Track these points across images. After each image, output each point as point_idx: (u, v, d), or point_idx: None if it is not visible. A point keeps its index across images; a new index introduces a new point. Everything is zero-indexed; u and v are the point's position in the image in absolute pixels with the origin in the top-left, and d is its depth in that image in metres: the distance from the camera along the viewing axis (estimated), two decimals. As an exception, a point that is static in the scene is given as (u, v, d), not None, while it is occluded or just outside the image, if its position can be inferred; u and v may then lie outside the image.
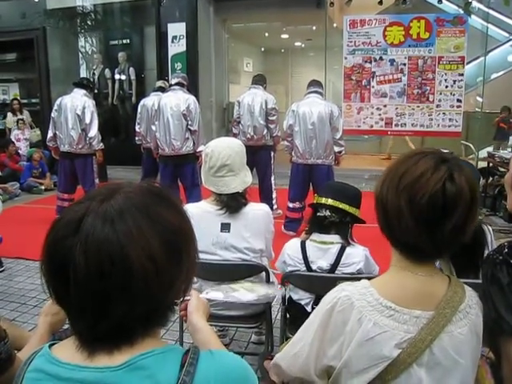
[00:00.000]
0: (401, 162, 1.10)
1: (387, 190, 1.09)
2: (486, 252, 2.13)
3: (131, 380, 0.74)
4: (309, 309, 2.23)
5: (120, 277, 0.72)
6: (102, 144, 5.71)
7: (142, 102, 6.56)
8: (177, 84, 5.25)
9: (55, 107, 5.70)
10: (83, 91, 5.70)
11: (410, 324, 1.05)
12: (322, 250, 2.21)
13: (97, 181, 5.77)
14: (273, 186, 5.91)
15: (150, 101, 6.01)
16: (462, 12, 7.17)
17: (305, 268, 2.21)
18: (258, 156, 5.66)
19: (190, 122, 5.17)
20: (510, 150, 6.80)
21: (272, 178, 5.90)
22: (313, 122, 4.97)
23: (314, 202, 2.35)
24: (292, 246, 2.29)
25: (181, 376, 0.75)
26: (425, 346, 1.04)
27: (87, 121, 5.52)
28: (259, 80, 6.01)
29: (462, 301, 1.10)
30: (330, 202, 2.22)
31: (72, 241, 0.72)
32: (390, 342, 1.04)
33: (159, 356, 0.77)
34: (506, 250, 1.21)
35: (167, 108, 5.12)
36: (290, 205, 5.31)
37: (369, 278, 1.16)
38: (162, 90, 6.24)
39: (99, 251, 0.71)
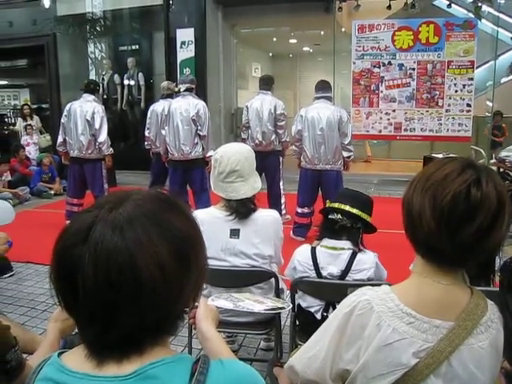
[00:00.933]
0: (431, 165, 1.11)
1: (413, 190, 1.09)
2: (497, 260, 2.11)
3: None
4: (318, 316, 2.21)
5: (129, 285, 0.71)
6: (111, 149, 5.76)
7: (151, 108, 6.59)
8: (186, 90, 5.27)
9: (65, 113, 5.76)
10: (92, 96, 5.77)
11: (430, 333, 1.03)
12: (332, 256, 2.19)
13: (106, 186, 5.81)
14: (281, 192, 5.90)
15: (160, 106, 6.01)
16: (471, 16, 7.14)
17: (315, 274, 2.20)
18: (267, 161, 5.64)
19: (199, 127, 5.17)
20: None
21: (281, 184, 5.89)
22: (321, 128, 4.95)
23: (327, 206, 2.35)
24: (302, 252, 2.28)
25: None
26: (443, 357, 1.02)
27: (97, 126, 5.58)
28: (267, 83, 5.97)
29: (484, 314, 1.08)
30: (342, 206, 2.23)
31: (81, 249, 0.72)
32: (409, 350, 1.03)
33: (169, 365, 0.76)
34: None
35: (177, 113, 5.14)
36: (299, 210, 5.30)
37: (378, 285, 1.15)
38: (171, 96, 6.26)
39: (108, 260, 0.71)
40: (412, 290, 1.09)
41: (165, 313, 0.77)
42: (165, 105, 5.49)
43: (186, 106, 5.16)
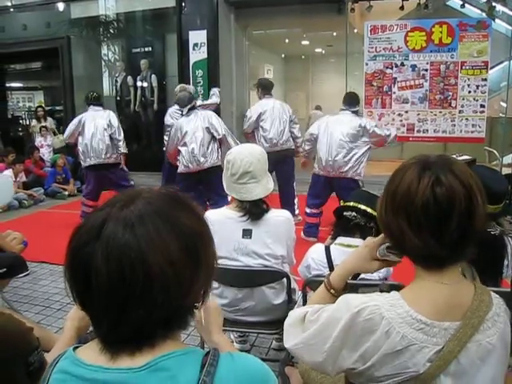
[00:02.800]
0: (389, 182, 1.13)
1: (385, 212, 1.12)
2: (506, 262, 2.11)
3: (153, 381, 0.75)
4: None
5: (140, 280, 0.73)
6: (126, 148, 5.98)
7: (172, 123, 6.13)
8: (189, 110, 5.29)
9: (76, 124, 5.93)
10: (100, 108, 6.06)
11: (439, 336, 1.04)
12: (346, 254, 2.19)
13: (132, 182, 6.02)
14: (295, 192, 5.92)
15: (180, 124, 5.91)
16: (485, 16, 7.08)
17: (329, 272, 2.20)
18: (283, 162, 5.66)
19: (215, 133, 5.19)
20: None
21: (294, 184, 5.91)
22: (340, 137, 4.93)
23: (341, 204, 2.37)
24: (317, 251, 2.29)
25: (201, 377, 0.76)
26: (452, 357, 1.03)
27: (115, 125, 5.87)
28: (269, 88, 6.04)
29: (490, 309, 1.08)
30: (353, 204, 2.25)
31: (94, 247, 0.74)
32: (417, 355, 1.03)
33: (180, 357, 0.79)
34: None
35: (192, 134, 5.15)
36: (308, 210, 5.32)
37: (394, 288, 1.15)
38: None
39: (120, 256, 0.73)
40: (420, 295, 1.09)
41: (175, 307, 0.79)
42: (183, 124, 5.35)
43: (196, 124, 5.15)
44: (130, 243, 0.74)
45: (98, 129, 5.80)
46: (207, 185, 5.20)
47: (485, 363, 1.06)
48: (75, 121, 6.01)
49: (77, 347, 0.85)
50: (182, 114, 5.44)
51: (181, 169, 5.24)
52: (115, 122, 5.92)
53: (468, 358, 1.04)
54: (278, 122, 5.75)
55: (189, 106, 5.28)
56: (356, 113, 5.18)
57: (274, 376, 0.86)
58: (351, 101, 5.21)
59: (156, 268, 0.74)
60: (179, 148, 5.19)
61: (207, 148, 5.14)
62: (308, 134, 5.31)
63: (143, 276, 0.73)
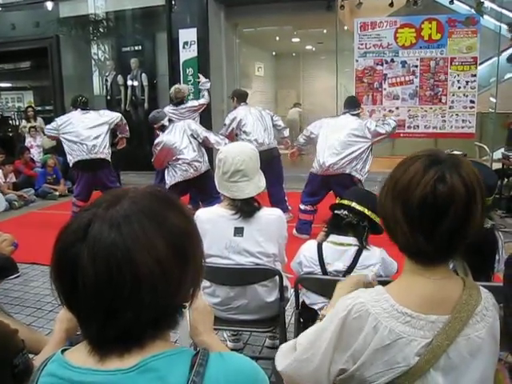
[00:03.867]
0: (396, 168, 1.12)
1: (385, 197, 1.11)
2: (497, 257, 2.12)
3: (142, 382, 0.75)
4: (322, 313, 2.22)
5: (128, 280, 0.73)
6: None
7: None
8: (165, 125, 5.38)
9: (63, 123, 5.91)
10: (87, 111, 6.04)
11: (427, 329, 1.04)
12: (338, 252, 2.21)
13: (118, 185, 6.00)
14: (284, 190, 5.94)
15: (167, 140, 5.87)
16: (473, 12, 7.12)
17: (320, 270, 2.20)
18: (271, 161, 5.67)
19: (199, 138, 5.31)
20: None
21: (283, 183, 5.96)
22: (341, 139, 4.96)
23: (336, 202, 2.37)
24: (309, 248, 2.29)
25: (191, 377, 0.76)
26: (442, 351, 1.03)
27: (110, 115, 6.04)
28: (242, 97, 6.15)
29: (478, 303, 1.09)
30: (347, 202, 2.25)
31: (80, 247, 0.74)
32: (406, 349, 1.03)
33: (170, 358, 0.78)
34: None
35: (177, 146, 5.22)
36: (302, 207, 5.32)
37: (383, 284, 1.16)
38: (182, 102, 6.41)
39: (107, 256, 0.72)
40: (405, 289, 1.10)
41: (164, 307, 0.78)
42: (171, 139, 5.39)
43: (177, 137, 5.24)
44: (117, 243, 0.73)
45: (86, 129, 5.81)
46: (200, 188, 5.26)
47: (474, 358, 1.06)
48: (61, 120, 5.98)
49: (65, 349, 0.84)
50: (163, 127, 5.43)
51: (175, 180, 5.27)
52: (108, 115, 6.02)
53: (457, 352, 1.04)
54: (259, 122, 5.83)
55: (163, 123, 5.39)
56: (357, 116, 5.26)
57: (264, 375, 0.86)
58: (351, 104, 5.32)
59: (143, 267, 0.73)
60: (173, 162, 5.25)
61: (198, 152, 5.25)
62: (307, 131, 5.35)
63: (130, 275, 0.73)
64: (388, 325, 1.04)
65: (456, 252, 1.11)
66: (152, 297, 0.75)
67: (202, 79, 7.03)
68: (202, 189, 5.22)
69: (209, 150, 5.66)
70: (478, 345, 1.06)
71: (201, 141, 5.29)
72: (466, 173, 1.05)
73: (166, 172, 5.40)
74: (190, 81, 9.11)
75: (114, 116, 6.08)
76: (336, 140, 4.96)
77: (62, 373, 0.78)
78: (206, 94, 6.76)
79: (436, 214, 1.02)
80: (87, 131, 5.77)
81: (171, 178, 5.27)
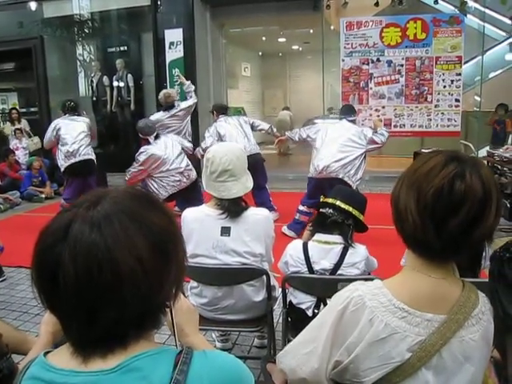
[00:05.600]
0: (419, 159, 1.11)
1: (401, 185, 1.10)
2: (484, 254, 2.14)
3: (125, 382, 0.75)
4: (309, 313, 2.22)
5: (109, 280, 0.72)
6: None
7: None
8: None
9: (51, 129, 6.00)
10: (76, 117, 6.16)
11: (422, 327, 1.04)
12: (324, 251, 2.21)
13: None
14: (268, 191, 6.00)
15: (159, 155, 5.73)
16: (457, 12, 7.19)
17: (306, 269, 2.21)
18: (254, 167, 5.70)
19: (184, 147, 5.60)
20: (504, 148, 6.76)
21: (266, 185, 6.01)
22: (336, 142, 5.02)
23: (321, 200, 2.38)
24: (295, 247, 2.29)
25: (174, 375, 0.75)
26: (435, 350, 1.03)
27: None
28: (222, 109, 6.27)
29: (475, 306, 1.09)
30: (331, 200, 2.26)
31: (60, 247, 0.73)
32: (401, 344, 1.03)
33: (153, 357, 0.78)
34: None
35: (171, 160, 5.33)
36: (301, 207, 5.34)
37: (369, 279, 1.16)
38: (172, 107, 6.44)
39: (87, 256, 0.72)
40: (404, 284, 1.10)
41: (146, 306, 0.78)
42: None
43: (169, 148, 5.37)
44: (97, 242, 0.73)
45: (77, 133, 5.95)
46: (189, 196, 5.32)
47: (467, 360, 1.06)
48: (51, 128, 6.06)
49: (48, 352, 0.83)
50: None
51: (168, 192, 5.32)
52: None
53: (450, 353, 1.05)
54: (238, 130, 5.89)
55: (154, 134, 5.44)
56: (353, 122, 5.36)
57: (249, 372, 0.86)
58: (348, 111, 5.45)
59: (124, 266, 0.73)
60: (160, 174, 5.29)
61: (187, 161, 5.44)
62: (304, 133, 5.38)
63: (111, 275, 0.72)
64: (384, 319, 1.04)
65: (462, 252, 1.09)
66: (134, 296, 0.74)
67: (185, 82, 7.01)
68: (190, 197, 5.27)
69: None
70: (472, 347, 1.07)
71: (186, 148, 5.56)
72: (485, 174, 1.04)
73: (152, 187, 5.38)
74: (177, 81, 9.08)
75: (87, 120, 6.34)
76: (334, 144, 5.01)
77: (45, 375, 0.78)
78: (193, 94, 6.76)
79: (449, 208, 1.01)
80: (74, 136, 5.90)
81: (164, 191, 5.30)
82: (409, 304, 1.05)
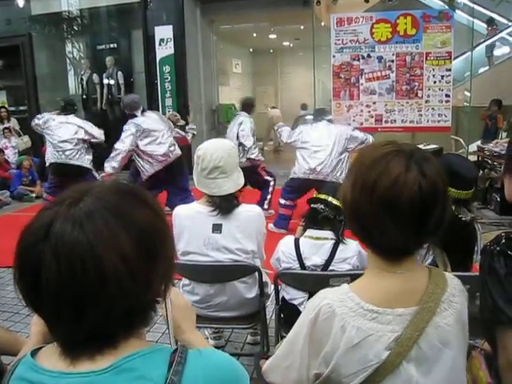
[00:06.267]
0: (369, 165, 1.05)
1: (360, 198, 1.04)
2: (475, 248, 2.16)
3: (120, 382, 0.73)
4: (302, 309, 2.22)
5: (92, 278, 0.70)
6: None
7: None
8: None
9: (43, 124, 5.85)
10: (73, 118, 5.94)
11: (395, 323, 1.03)
12: (316, 246, 2.21)
13: None
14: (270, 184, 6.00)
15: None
16: (447, 7, 7.21)
17: (298, 265, 2.20)
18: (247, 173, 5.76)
19: None
20: (494, 142, 6.81)
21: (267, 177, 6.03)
22: (323, 144, 5.10)
23: (313, 196, 2.38)
24: (286, 243, 2.29)
25: (169, 376, 0.74)
26: (412, 342, 1.03)
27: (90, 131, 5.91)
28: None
29: (445, 291, 1.09)
30: (324, 196, 2.26)
31: (42, 246, 0.71)
32: (376, 345, 1.02)
33: (146, 356, 0.76)
34: (504, 240, 1.21)
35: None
36: (282, 201, 5.36)
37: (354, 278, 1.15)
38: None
39: (70, 254, 0.70)
40: (370, 285, 1.09)
41: (133, 304, 0.76)
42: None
43: (156, 122, 5.40)
44: (80, 240, 0.71)
45: (68, 132, 5.78)
46: (174, 175, 5.37)
47: (445, 346, 1.06)
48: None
49: (36, 351, 0.81)
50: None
51: (153, 169, 5.29)
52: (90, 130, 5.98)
53: (428, 342, 1.04)
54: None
55: (141, 109, 5.41)
56: (330, 121, 5.51)
57: (244, 371, 0.85)
58: (322, 113, 5.60)
59: (108, 264, 0.71)
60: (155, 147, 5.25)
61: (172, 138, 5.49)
62: (290, 138, 5.45)
63: (94, 273, 0.70)
64: (355, 324, 1.03)
65: (426, 242, 1.11)
66: (118, 294, 0.72)
67: (191, 123, 6.95)
68: (176, 176, 5.31)
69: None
70: (448, 332, 1.06)
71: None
72: (435, 162, 1.05)
73: (138, 164, 5.38)
74: (167, 78, 9.04)
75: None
76: (325, 148, 5.09)
77: (33, 376, 0.76)
78: (190, 136, 6.59)
79: (425, 209, 1.01)
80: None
81: (149, 167, 5.29)
82: (378, 304, 1.04)
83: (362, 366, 1.03)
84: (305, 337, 1.08)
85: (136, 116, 5.36)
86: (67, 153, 5.73)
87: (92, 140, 5.90)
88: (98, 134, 5.95)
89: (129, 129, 5.24)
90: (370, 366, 1.02)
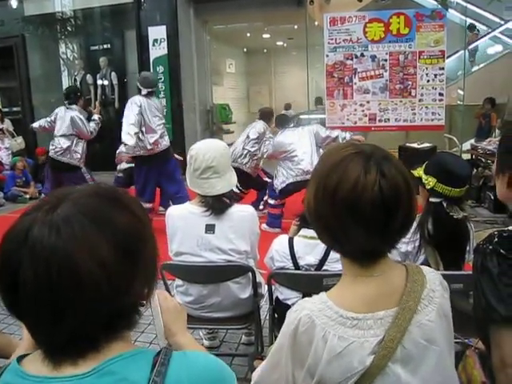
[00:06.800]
0: (329, 170, 1.04)
1: (323, 204, 1.04)
2: (468, 248, 2.17)
3: None
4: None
5: (69, 284, 0.70)
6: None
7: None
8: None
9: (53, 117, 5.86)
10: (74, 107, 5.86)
11: (376, 327, 1.02)
12: (310, 246, 2.20)
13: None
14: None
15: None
16: (439, 6, 7.23)
17: (292, 264, 2.20)
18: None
19: None
20: (487, 141, 6.84)
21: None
22: (301, 146, 5.17)
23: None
24: (280, 242, 2.28)
25: (152, 376, 0.74)
26: (395, 343, 1.01)
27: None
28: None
29: (424, 287, 1.08)
30: None
31: (20, 252, 0.71)
32: (360, 352, 1.01)
33: (128, 359, 0.76)
34: (496, 239, 1.21)
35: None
36: (272, 201, 5.37)
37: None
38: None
39: (47, 260, 0.70)
40: (347, 292, 1.08)
41: (113, 309, 0.76)
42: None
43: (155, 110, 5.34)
44: (56, 246, 0.71)
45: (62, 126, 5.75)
46: (163, 166, 5.34)
47: (430, 342, 1.05)
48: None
49: (22, 357, 0.81)
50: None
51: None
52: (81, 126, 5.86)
53: (412, 341, 1.03)
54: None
55: (150, 90, 5.33)
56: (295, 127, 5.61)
57: (230, 372, 0.85)
58: (286, 121, 5.70)
59: (84, 269, 0.71)
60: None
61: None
62: (279, 148, 5.42)
63: (71, 279, 0.70)
64: (336, 333, 1.01)
65: (396, 242, 1.08)
66: (97, 298, 0.72)
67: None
68: (166, 167, 5.29)
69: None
70: (431, 329, 1.05)
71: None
72: (396, 161, 1.05)
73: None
74: (161, 79, 9.02)
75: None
76: (303, 146, 5.20)
77: (18, 382, 0.76)
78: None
79: (388, 210, 0.99)
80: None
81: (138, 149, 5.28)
82: (357, 310, 1.03)
83: (347, 373, 1.01)
84: (287, 350, 1.07)
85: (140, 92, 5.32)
86: (57, 149, 5.70)
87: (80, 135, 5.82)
88: (87, 131, 5.83)
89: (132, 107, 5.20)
90: (355, 373, 1.01)
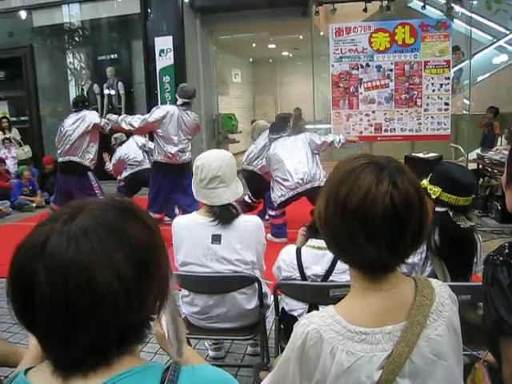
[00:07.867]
0: (340, 179, 1.03)
1: (333, 214, 1.03)
2: (475, 259, 2.14)
3: None
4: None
5: (86, 297, 0.70)
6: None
7: None
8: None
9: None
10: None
11: (384, 342, 1.01)
12: (317, 256, 2.19)
13: (98, 191, 5.93)
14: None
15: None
16: (445, 17, 7.25)
17: (298, 274, 2.19)
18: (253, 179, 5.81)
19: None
20: (494, 150, 6.81)
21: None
22: (295, 156, 5.05)
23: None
24: (288, 252, 2.27)
25: None
26: (404, 358, 1.00)
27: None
28: None
29: (433, 301, 1.07)
30: None
31: (37, 264, 0.70)
32: (368, 367, 1.00)
33: (138, 375, 0.76)
34: (507, 250, 1.20)
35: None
36: (273, 213, 5.34)
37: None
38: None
39: (64, 273, 0.69)
40: (355, 306, 1.07)
41: (127, 323, 0.75)
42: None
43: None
44: (74, 259, 0.70)
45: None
46: (181, 179, 5.31)
47: (439, 357, 1.04)
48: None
49: (29, 369, 0.80)
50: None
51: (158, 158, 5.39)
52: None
53: (421, 355, 1.02)
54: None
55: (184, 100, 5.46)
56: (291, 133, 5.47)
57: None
58: (283, 126, 5.50)
59: (102, 282, 0.70)
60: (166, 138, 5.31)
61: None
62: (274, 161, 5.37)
63: (89, 292, 0.70)
64: (344, 347, 1.00)
65: (411, 253, 1.07)
66: (113, 313, 0.72)
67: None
68: (181, 180, 5.28)
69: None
70: (440, 343, 1.04)
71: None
72: (409, 173, 1.03)
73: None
74: (167, 89, 9.08)
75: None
76: (297, 156, 5.07)
77: None
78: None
79: (399, 222, 0.98)
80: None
81: (158, 155, 5.36)
82: (365, 324, 1.02)
83: None
84: (294, 363, 1.05)
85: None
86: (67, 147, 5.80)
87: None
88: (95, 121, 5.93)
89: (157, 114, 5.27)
90: None
